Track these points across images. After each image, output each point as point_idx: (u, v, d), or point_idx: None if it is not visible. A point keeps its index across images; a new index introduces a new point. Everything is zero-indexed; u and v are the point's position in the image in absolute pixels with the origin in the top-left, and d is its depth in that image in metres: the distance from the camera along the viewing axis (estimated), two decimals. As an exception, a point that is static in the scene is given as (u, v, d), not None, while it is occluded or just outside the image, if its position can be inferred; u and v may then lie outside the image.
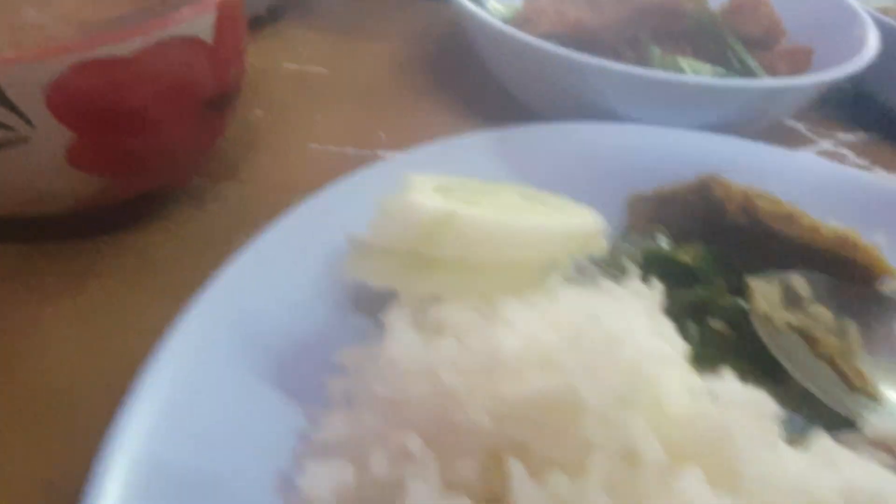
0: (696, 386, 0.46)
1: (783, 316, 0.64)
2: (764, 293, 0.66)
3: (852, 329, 0.65)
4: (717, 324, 0.65)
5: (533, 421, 0.42)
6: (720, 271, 0.68)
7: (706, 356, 0.65)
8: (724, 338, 0.65)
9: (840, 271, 0.68)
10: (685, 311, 0.66)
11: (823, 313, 0.65)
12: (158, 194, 0.82)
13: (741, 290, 0.67)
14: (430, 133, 0.84)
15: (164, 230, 0.79)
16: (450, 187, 0.60)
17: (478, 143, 0.82)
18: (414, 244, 0.53)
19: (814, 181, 0.80)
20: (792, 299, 0.66)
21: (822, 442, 0.43)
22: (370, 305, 0.60)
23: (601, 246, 0.59)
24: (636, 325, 0.47)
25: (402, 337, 0.50)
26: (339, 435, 0.47)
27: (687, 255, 0.67)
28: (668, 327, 0.51)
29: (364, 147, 0.96)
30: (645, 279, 0.56)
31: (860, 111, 1.17)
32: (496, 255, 0.54)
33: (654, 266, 0.67)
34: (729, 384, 0.46)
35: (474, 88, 1.09)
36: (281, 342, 0.58)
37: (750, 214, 0.69)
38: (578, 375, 0.42)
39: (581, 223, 0.58)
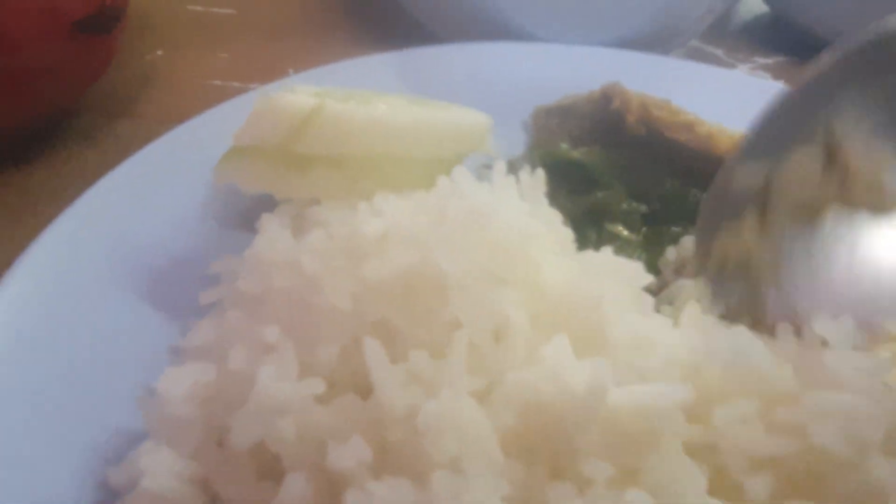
0: (571, 261, 0.44)
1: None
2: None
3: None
4: (614, 227, 0.64)
5: (395, 300, 0.40)
6: (621, 177, 0.67)
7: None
8: (622, 240, 0.64)
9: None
10: (586, 217, 0.66)
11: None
12: (43, 131, 0.77)
13: (640, 196, 0.67)
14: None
15: (48, 167, 0.75)
16: (332, 92, 0.58)
17: (379, 64, 0.79)
18: (283, 141, 0.50)
19: (717, 90, 0.80)
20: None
21: (693, 311, 0.42)
22: (254, 221, 0.57)
23: (488, 145, 0.57)
24: (508, 205, 0.45)
25: (271, 235, 0.47)
26: (204, 340, 0.45)
27: (586, 159, 0.65)
28: (548, 212, 0.49)
29: (271, 82, 0.92)
30: (532, 170, 0.55)
31: (779, 35, 1.17)
32: (371, 149, 0.51)
33: (553, 170, 0.66)
34: (603, 256, 0.44)
35: (388, 22, 1.06)
36: (158, 258, 0.55)
37: (648, 125, 0.68)
38: (441, 251, 0.40)
39: (464, 120, 0.56)
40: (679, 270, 0.64)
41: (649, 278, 0.44)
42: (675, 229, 0.67)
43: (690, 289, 0.58)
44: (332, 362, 0.39)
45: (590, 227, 0.65)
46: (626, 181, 0.67)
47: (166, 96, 0.87)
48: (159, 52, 0.95)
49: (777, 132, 0.46)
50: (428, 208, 0.45)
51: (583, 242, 0.66)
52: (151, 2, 1.06)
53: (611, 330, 0.39)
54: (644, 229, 0.67)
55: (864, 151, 0.44)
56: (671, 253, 0.64)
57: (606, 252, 0.45)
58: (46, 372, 0.45)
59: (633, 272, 0.43)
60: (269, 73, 0.93)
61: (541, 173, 0.51)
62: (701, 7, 0.91)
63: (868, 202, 0.44)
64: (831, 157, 0.45)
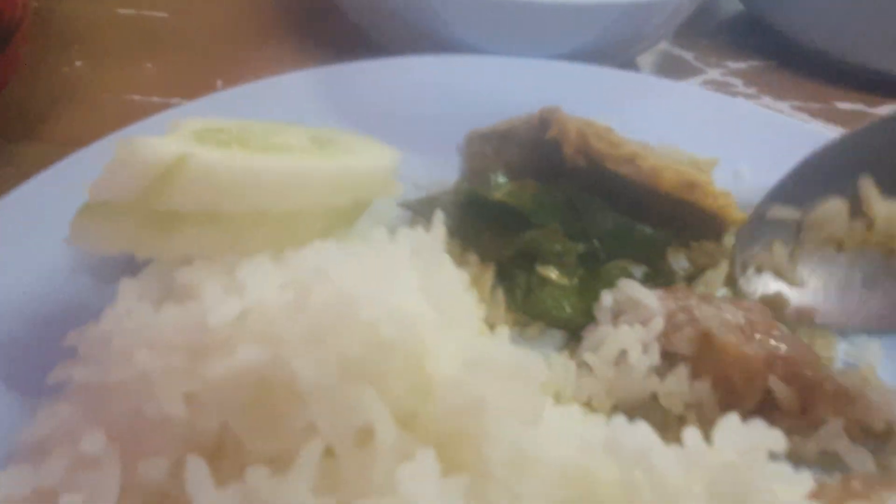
0: (460, 349, 0.38)
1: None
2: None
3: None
4: (547, 270, 0.58)
5: (240, 405, 0.34)
6: (557, 214, 0.61)
7: (532, 306, 0.58)
8: (553, 286, 0.58)
9: (684, 214, 0.61)
10: (516, 259, 0.59)
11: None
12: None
13: (578, 234, 0.60)
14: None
15: (-64, 200, 0.68)
16: (220, 130, 0.51)
17: (302, 83, 0.72)
18: (142, 196, 0.43)
19: (669, 104, 0.73)
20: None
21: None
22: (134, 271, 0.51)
23: (392, 190, 0.51)
24: (391, 281, 0.39)
25: (125, 308, 0.41)
26: (40, 434, 0.39)
27: (514, 197, 0.59)
28: (447, 279, 0.43)
29: (194, 96, 0.84)
30: (447, 221, 0.48)
31: (754, 38, 1.10)
32: (249, 203, 0.45)
33: (480, 209, 0.60)
34: (498, 347, 0.38)
35: (327, 28, 0.99)
36: (14, 323, 0.49)
37: (588, 157, 0.61)
38: (296, 345, 0.34)
39: (362, 166, 0.49)
40: (616, 318, 0.58)
41: (545, 374, 0.37)
42: (613, 271, 0.60)
43: (618, 337, 0.53)
44: (161, 478, 0.34)
45: (519, 271, 0.59)
46: (562, 218, 0.61)
47: (77, 114, 0.80)
48: (78, 63, 0.89)
49: (811, 180, 0.59)
50: (291, 284, 0.38)
51: (511, 289, 0.60)
52: (78, 6, 0.99)
53: (489, 446, 0.33)
54: (580, 271, 0.60)
55: (887, 206, 0.57)
56: (607, 299, 0.58)
57: (502, 340, 0.38)
58: None
59: (530, 369, 0.37)
60: (197, 85, 0.86)
61: (441, 229, 0.45)
62: (663, 13, 0.84)
63: (885, 246, 0.58)
64: (858, 207, 0.58)
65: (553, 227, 0.59)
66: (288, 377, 0.34)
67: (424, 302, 0.39)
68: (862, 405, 0.51)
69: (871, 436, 0.50)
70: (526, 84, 0.75)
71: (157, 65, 0.90)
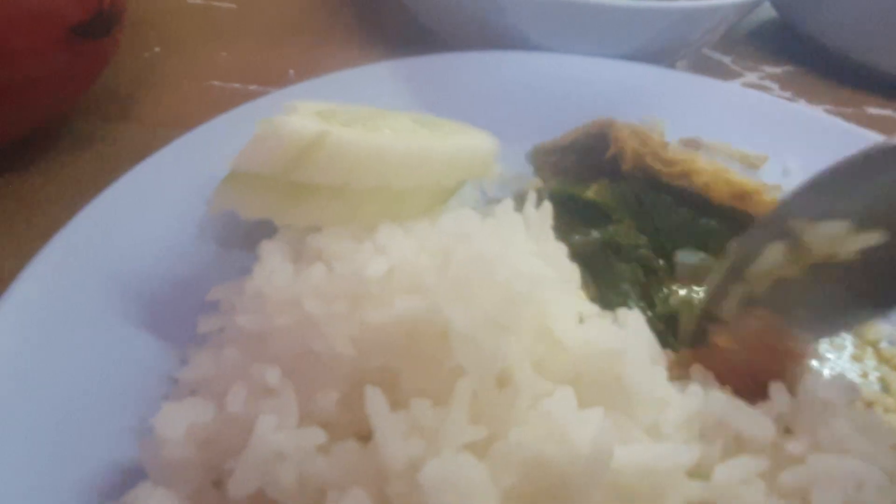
0: (580, 308, 0.44)
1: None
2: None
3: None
4: (625, 263, 0.63)
5: (398, 347, 0.40)
6: (629, 210, 0.66)
7: (617, 293, 0.64)
8: (633, 275, 0.63)
9: (738, 221, 0.66)
10: (596, 252, 0.65)
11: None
12: (40, 135, 0.76)
13: (647, 228, 0.66)
14: (343, 69, 0.80)
15: (44, 172, 0.73)
16: (335, 112, 0.56)
17: (383, 73, 0.77)
18: (284, 168, 0.49)
19: (724, 106, 0.79)
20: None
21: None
22: (253, 240, 0.56)
23: (494, 171, 0.56)
24: (515, 246, 0.44)
25: (271, 267, 0.47)
26: (202, 374, 0.44)
27: (601, 195, 0.64)
28: (554, 248, 0.48)
29: (271, 84, 0.90)
30: (539, 203, 0.54)
31: (787, 43, 1.15)
32: (375, 179, 0.50)
33: (563, 206, 0.65)
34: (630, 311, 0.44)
35: (391, 22, 1.04)
36: (154, 281, 0.54)
37: (644, 173, 0.67)
38: (445, 297, 0.39)
39: (471, 148, 0.55)
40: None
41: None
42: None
43: None
44: (332, 408, 0.39)
45: (600, 262, 0.64)
46: (633, 213, 0.66)
47: (164, 97, 0.86)
48: (157, 50, 0.94)
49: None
50: (432, 249, 0.44)
51: (597, 276, 0.65)
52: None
53: (630, 383, 0.38)
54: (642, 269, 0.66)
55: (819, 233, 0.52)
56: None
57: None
58: (42, 404, 0.44)
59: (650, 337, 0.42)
60: (270, 73, 0.92)
61: (548, 206, 0.50)
62: (711, 20, 0.90)
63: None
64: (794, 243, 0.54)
65: (628, 222, 0.65)
66: (441, 324, 0.39)
67: (543, 265, 0.44)
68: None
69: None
70: (592, 81, 0.80)
71: (230, 53, 0.95)
